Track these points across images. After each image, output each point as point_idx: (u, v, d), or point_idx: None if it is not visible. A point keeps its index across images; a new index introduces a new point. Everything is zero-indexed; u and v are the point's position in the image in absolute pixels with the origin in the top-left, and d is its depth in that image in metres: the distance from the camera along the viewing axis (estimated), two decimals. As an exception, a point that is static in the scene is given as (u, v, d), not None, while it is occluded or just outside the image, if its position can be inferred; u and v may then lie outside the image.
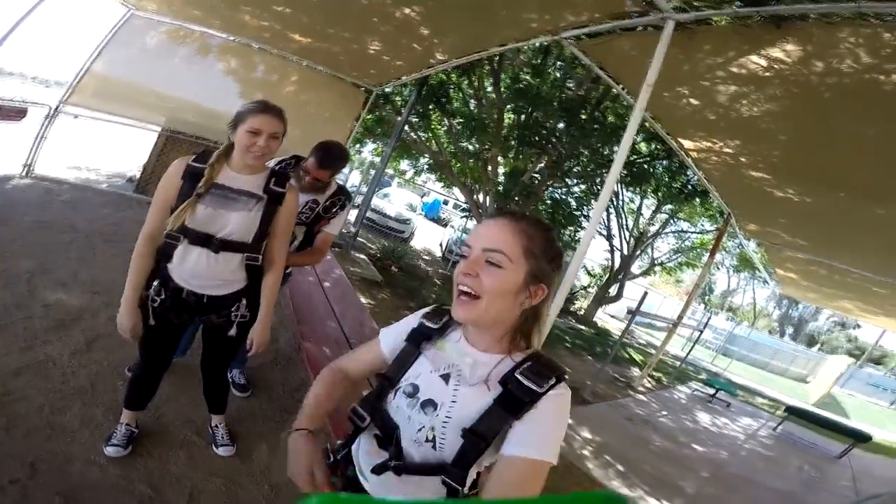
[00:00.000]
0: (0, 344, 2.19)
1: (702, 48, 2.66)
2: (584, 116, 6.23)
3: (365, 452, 0.94)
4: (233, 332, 1.65)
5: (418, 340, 0.92)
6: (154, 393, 1.90)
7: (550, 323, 2.32)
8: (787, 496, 4.19)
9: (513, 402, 0.76)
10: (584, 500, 0.34)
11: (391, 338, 0.98)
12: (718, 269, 13.39)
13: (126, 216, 4.95)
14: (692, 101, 3.41)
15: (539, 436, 0.75)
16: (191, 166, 1.46)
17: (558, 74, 6.93)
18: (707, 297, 25.42)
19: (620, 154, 2.33)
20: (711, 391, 7.75)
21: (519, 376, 0.77)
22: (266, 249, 1.62)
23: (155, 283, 1.54)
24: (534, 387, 0.76)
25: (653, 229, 11.30)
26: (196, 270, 1.52)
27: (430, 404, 0.83)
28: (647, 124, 4.41)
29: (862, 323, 18.86)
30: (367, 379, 1.11)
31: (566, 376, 0.80)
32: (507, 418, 0.76)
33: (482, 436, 0.76)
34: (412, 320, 0.97)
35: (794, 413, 6.69)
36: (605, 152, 7.05)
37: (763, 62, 2.51)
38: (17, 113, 4.90)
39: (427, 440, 0.82)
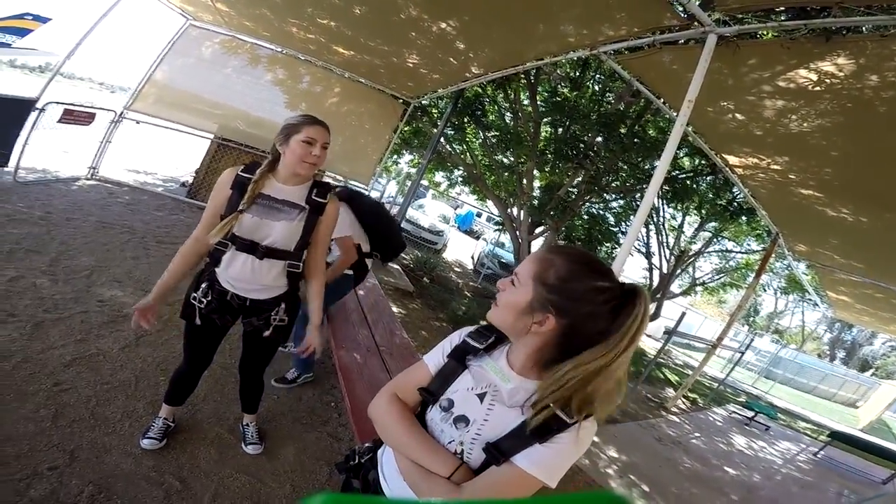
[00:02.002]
0: (57, 335, 2.39)
1: (746, 62, 2.56)
2: (623, 130, 6.07)
3: (390, 460, 0.99)
4: (268, 333, 1.74)
5: (462, 357, 0.96)
6: (193, 390, 2.01)
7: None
8: None
9: (540, 428, 0.79)
10: (585, 500, 0.34)
11: (435, 356, 1.02)
12: (765, 290, 12.63)
13: (178, 219, 5.31)
14: (737, 115, 3.27)
15: (550, 460, 0.79)
16: (240, 176, 1.53)
17: (597, 88, 6.81)
18: (752, 319, 23.98)
19: (660, 169, 2.25)
20: (750, 414, 7.39)
21: (552, 405, 0.80)
22: (308, 258, 1.71)
23: (203, 285, 1.64)
24: (565, 417, 0.78)
25: (695, 248, 10.79)
26: (241, 275, 1.61)
27: (462, 420, 0.88)
28: (689, 139, 4.26)
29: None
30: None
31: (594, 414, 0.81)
32: (532, 441, 0.80)
33: (504, 452, 0.81)
34: (454, 338, 1.01)
35: (838, 438, 6.28)
36: (646, 167, 6.82)
37: (813, 76, 2.39)
38: (87, 117, 5.27)
39: (455, 453, 0.87)
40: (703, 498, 3.73)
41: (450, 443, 0.88)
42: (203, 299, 1.64)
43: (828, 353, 29.57)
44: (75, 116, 5.09)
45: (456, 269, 11.00)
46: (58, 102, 4.84)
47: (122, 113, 5.69)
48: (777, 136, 3.28)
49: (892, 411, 13.83)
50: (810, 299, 10.86)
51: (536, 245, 7.76)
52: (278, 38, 5.63)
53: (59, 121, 4.90)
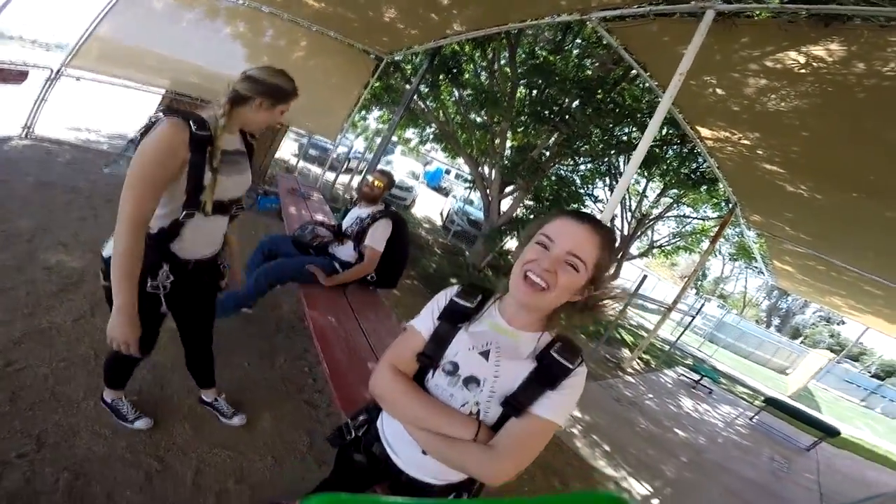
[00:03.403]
0: (1, 310, 2.16)
1: (738, 40, 2.56)
2: (599, 96, 6.04)
3: (396, 431, 1.00)
4: (223, 283, 1.68)
5: (454, 319, 0.95)
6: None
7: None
8: (757, 486, 4.38)
9: (549, 376, 0.87)
10: (585, 500, 0.34)
11: (424, 321, 1.00)
12: (716, 255, 13.44)
13: (127, 175, 4.85)
14: (718, 91, 3.32)
15: (561, 404, 0.87)
16: (196, 135, 1.27)
17: (575, 52, 6.65)
18: (700, 283, 25.68)
19: (645, 141, 2.27)
20: (696, 377, 7.93)
21: (554, 354, 0.88)
22: None
23: (162, 269, 1.41)
24: (568, 364, 0.88)
25: (655, 212, 11.22)
26: (210, 239, 1.51)
27: (472, 381, 0.90)
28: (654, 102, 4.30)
29: (847, 319, 19.17)
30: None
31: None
32: (544, 388, 0.86)
33: (522, 404, 0.86)
34: (441, 300, 1.00)
35: (772, 404, 6.90)
36: (617, 133, 6.88)
37: (801, 59, 2.43)
38: (18, 75, 4.74)
39: (470, 413, 0.90)
40: (658, 459, 4.01)
41: (463, 405, 0.90)
42: (165, 284, 1.42)
43: (765, 319, 32.20)
44: (4, 75, 4.58)
45: (425, 225, 10.93)
46: None
47: (59, 70, 5.02)
48: (753, 114, 3.36)
49: (816, 380, 15.35)
50: (756, 267, 11.66)
51: (506, 203, 7.79)
52: None
53: None
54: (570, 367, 0.87)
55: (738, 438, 5.81)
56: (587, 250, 0.84)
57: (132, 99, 6.75)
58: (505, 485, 0.84)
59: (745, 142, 3.99)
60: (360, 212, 2.85)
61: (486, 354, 0.91)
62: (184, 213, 1.35)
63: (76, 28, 5.15)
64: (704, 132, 4.29)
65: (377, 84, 7.01)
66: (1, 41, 10.84)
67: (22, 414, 1.70)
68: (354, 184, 7.73)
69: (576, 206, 7.96)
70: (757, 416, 6.93)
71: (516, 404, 0.86)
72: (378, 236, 2.66)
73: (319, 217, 4.38)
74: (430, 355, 0.95)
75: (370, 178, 2.88)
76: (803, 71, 2.49)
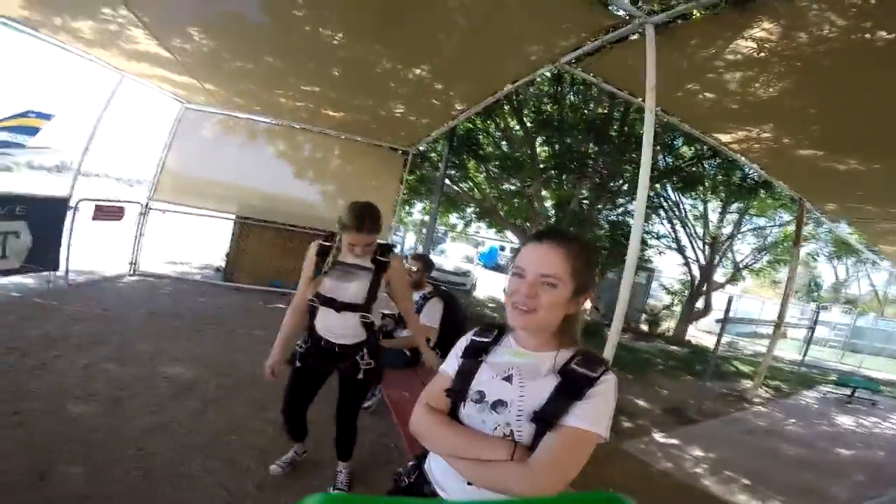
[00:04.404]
0: (133, 408, 2.59)
1: (689, 43, 2.73)
2: (613, 133, 6.25)
3: (443, 468, 1.01)
4: (360, 376, 1.99)
5: (475, 354, 1.04)
6: (300, 431, 2.22)
7: (616, 333, 2.41)
8: None
9: (573, 387, 0.89)
10: (586, 500, 0.34)
11: (450, 363, 1.09)
12: (815, 259, 11.94)
13: (220, 303, 5.61)
14: (706, 94, 3.40)
15: (592, 412, 0.87)
16: (321, 245, 1.91)
17: (573, 98, 7.06)
18: (816, 294, 22.37)
19: (645, 156, 2.38)
20: (848, 391, 6.84)
21: (575, 366, 0.91)
22: (400, 310, 2.30)
23: (304, 334, 2.01)
24: (589, 373, 0.90)
25: (725, 231, 10.51)
26: (328, 325, 1.95)
27: (500, 404, 0.93)
28: (666, 121, 4.34)
29: None
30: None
31: (610, 366, 0.95)
32: (571, 400, 0.88)
33: (551, 417, 0.88)
34: (463, 341, 1.10)
35: None
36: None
37: (752, 44, 2.53)
38: (117, 211, 5.58)
39: (504, 436, 0.91)
40: (821, 482, 3.40)
41: (495, 429, 0.92)
42: (303, 345, 2.00)
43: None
44: (106, 212, 5.34)
45: (489, 304, 10.92)
46: (89, 199, 5.12)
47: (147, 204, 6.05)
48: (751, 106, 3.37)
49: None
50: (866, 258, 10.21)
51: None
52: (269, 109, 5.97)
53: (93, 218, 5.16)
54: (594, 375, 0.89)
55: None
56: (556, 266, 0.90)
57: (211, 225, 7.87)
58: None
59: (766, 135, 3.89)
60: (413, 297, 3.09)
61: (509, 379, 0.95)
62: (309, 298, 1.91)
63: (149, 163, 6.10)
64: (723, 137, 4.25)
65: (410, 177, 7.63)
66: (88, 179, 12.55)
67: (152, 489, 1.97)
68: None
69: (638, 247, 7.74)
70: None
71: (546, 418, 0.87)
72: (431, 314, 2.89)
73: (383, 310, 4.75)
74: (458, 389, 0.99)
75: (406, 265, 3.18)
76: (762, 54, 2.58)
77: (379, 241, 1.93)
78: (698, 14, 2.52)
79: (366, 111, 5.39)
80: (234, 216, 6.73)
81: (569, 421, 0.86)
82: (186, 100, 6.02)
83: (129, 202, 6.03)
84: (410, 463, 1.15)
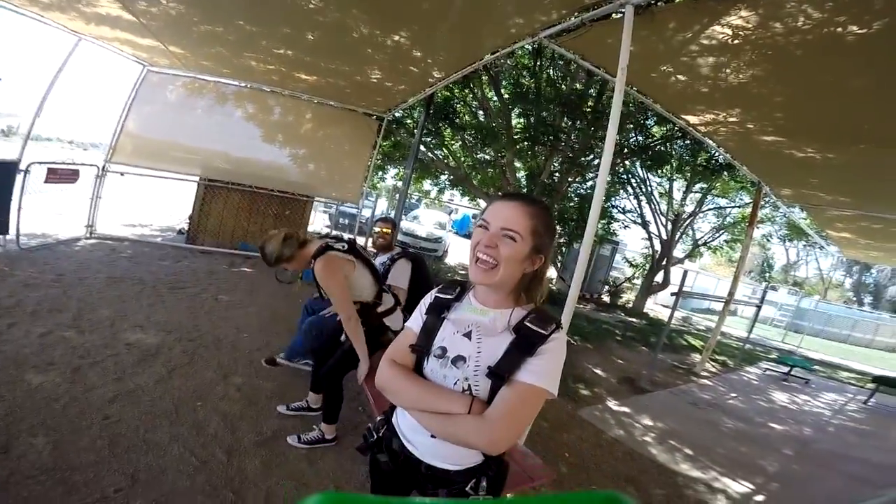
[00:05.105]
0: (95, 377, 2.54)
1: (667, 26, 2.75)
2: (587, 109, 6.27)
3: (408, 423, 1.08)
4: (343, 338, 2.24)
5: (438, 311, 1.08)
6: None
7: (573, 300, 2.52)
8: (894, 469, 3.87)
9: (526, 343, 0.95)
10: (585, 499, 0.34)
11: (415, 319, 1.13)
12: (768, 240, 12.64)
13: (183, 265, 5.44)
14: (679, 77, 3.45)
15: (542, 368, 0.93)
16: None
17: (551, 73, 7.00)
18: (767, 274, 23.84)
19: (610, 134, 2.40)
20: (785, 369, 7.29)
21: (528, 323, 0.97)
22: None
23: None
24: (541, 330, 0.95)
25: (688, 210, 10.92)
26: None
27: (459, 359, 0.99)
28: (637, 101, 4.39)
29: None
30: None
31: (562, 324, 1.01)
32: (523, 356, 0.94)
33: (505, 372, 0.94)
34: (427, 298, 1.14)
35: (885, 382, 6.20)
36: (619, 140, 7.02)
37: (728, 31, 2.59)
38: (71, 175, 5.33)
39: (463, 390, 0.97)
40: (755, 456, 3.67)
41: (455, 384, 0.98)
42: None
43: (854, 299, 28.93)
44: (60, 175, 5.13)
45: (461, 271, 11.06)
46: (40, 163, 4.89)
47: (104, 167, 5.76)
48: (721, 91, 3.46)
49: None
50: (815, 243, 10.90)
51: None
52: (239, 73, 5.72)
53: (46, 181, 4.95)
54: (545, 332, 0.95)
55: (854, 424, 5.26)
56: (519, 222, 0.95)
57: (173, 188, 7.56)
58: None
59: (732, 119, 4.01)
60: (382, 259, 3.12)
61: (468, 335, 1.01)
62: None
63: (104, 126, 5.91)
64: (692, 119, 4.34)
65: (385, 143, 7.51)
66: (40, 144, 12.06)
67: (119, 457, 1.96)
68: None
69: (604, 221, 7.96)
70: (872, 399, 6.24)
71: (500, 373, 0.93)
72: (398, 275, 2.90)
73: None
74: (422, 345, 1.05)
75: (376, 228, 3.19)
76: (737, 41, 2.64)
77: None
78: None
79: (341, 76, 5.21)
80: (198, 179, 6.46)
81: (521, 377, 0.92)
82: (149, 62, 5.63)
83: (85, 165, 5.67)
84: (379, 418, 1.21)
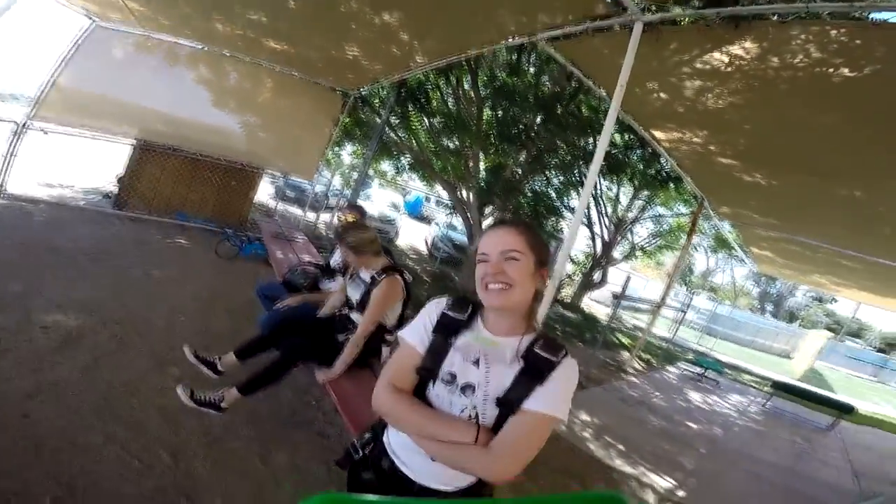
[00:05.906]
0: (8, 367, 2.16)
1: (668, 47, 2.83)
2: (559, 111, 6.38)
3: (402, 442, 1.04)
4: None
5: (447, 332, 1.04)
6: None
7: (548, 304, 2.49)
8: (783, 468, 4.37)
9: (535, 371, 0.94)
10: (585, 499, 0.33)
11: (418, 334, 1.06)
12: (696, 250, 13.80)
13: (109, 233, 4.84)
14: (662, 95, 3.58)
15: (552, 396, 0.93)
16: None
17: (532, 71, 7.04)
18: (688, 279, 26.11)
19: (600, 149, 2.42)
20: (699, 370, 7.96)
21: (538, 351, 0.96)
22: None
23: None
24: (551, 357, 0.95)
25: (631, 215, 11.61)
26: None
27: (468, 388, 0.97)
28: (620, 117, 4.55)
29: (838, 297, 19.62)
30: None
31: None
32: (533, 384, 0.93)
33: (514, 401, 0.93)
34: (432, 312, 1.08)
35: (780, 388, 6.93)
36: (581, 144, 7.24)
37: (725, 58, 2.70)
38: None
39: (470, 417, 0.96)
40: (675, 453, 4.00)
41: (462, 411, 0.97)
42: None
43: (758, 307, 32.38)
44: None
45: (412, 255, 11.00)
46: None
47: (25, 123, 4.99)
48: (697, 113, 3.63)
49: (822, 360, 15.33)
50: (737, 256, 12.04)
51: (487, 224, 7.98)
52: (200, 35, 5.18)
53: None
54: (554, 359, 0.94)
55: (754, 425, 5.83)
56: (516, 241, 0.97)
57: (102, 150, 6.74)
58: (519, 488, 0.89)
59: (697, 140, 4.25)
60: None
61: (477, 363, 0.98)
62: None
63: (33, 78, 5.10)
64: (658, 134, 4.55)
65: (347, 120, 7.17)
66: None
67: (48, 463, 1.71)
68: (336, 221, 7.80)
69: (553, 218, 8.22)
70: (769, 402, 6.94)
71: (509, 403, 0.92)
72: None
73: (307, 258, 4.45)
74: (430, 368, 1.01)
75: (341, 217, 3.01)
76: (729, 69, 2.76)
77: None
78: (685, 21, 2.57)
79: (315, 48, 4.87)
80: (132, 140, 5.77)
81: (530, 405, 0.91)
82: (99, 16, 4.87)
83: (2, 120, 4.89)
84: (367, 435, 1.16)
